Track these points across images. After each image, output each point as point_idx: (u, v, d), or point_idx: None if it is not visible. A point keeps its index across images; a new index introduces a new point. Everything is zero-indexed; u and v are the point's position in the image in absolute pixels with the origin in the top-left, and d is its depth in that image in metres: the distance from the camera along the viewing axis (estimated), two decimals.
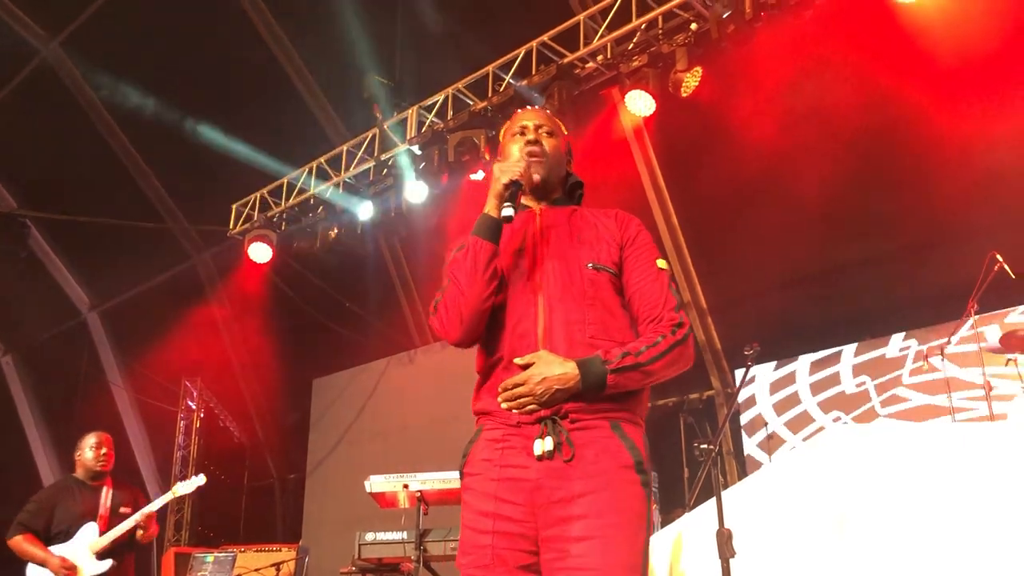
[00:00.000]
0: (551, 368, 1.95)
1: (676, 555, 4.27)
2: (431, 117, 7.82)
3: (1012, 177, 6.48)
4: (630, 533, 1.90)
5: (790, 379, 8.08)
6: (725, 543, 3.28)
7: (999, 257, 5.72)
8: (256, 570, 6.55)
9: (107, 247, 11.42)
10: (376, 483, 4.99)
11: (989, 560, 3.22)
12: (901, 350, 7.47)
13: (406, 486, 4.88)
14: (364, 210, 8.35)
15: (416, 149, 7.72)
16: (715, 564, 3.36)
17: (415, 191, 7.83)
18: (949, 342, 5.97)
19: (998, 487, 3.42)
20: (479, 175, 7.43)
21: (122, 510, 4.95)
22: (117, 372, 12.79)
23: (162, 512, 5.21)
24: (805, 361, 8.01)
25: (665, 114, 6.79)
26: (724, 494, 3.54)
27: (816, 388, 7.89)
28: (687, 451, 7.88)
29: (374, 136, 8.27)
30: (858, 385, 7.64)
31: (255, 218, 9.02)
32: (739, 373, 8.07)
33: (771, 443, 7.81)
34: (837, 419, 7.61)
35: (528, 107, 2.44)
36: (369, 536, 5.02)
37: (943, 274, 6.78)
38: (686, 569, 4.15)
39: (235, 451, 11.66)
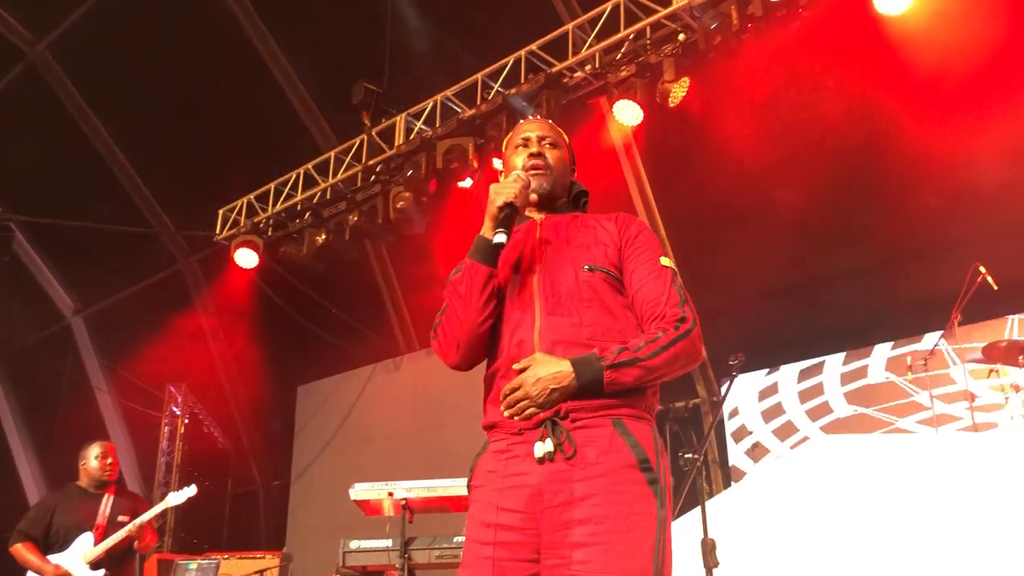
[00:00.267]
0: (546, 368, 1.93)
1: None
2: (419, 124, 7.83)
3: (992, 190, 6.54)
4: (636, 537, 1.84)
5: (775, 388, 8.11)
6: (709, 553, 3.30)
7: (982, 268, 5.79)
8: None
9: (92, 251, 11.36)
10: (361, 490, 4.97)
11: (964, 564, 3.25)
12: (884, 361, 7.51)
13: (391, 494, 4.86)
14: (351, 216, 8.33)
15: None
16: (700, 574, 3.38)
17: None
18: (932, 353, 6.03)
19: (979, 495, 3.45)
20: (467, 183, 7.44)
21: (120, 519, 4.96)
22: (101, 377, 12.71)
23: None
24: (789, 371, 8.05)
25: (653, 124, 6.82)
26: (708, 503, 3.55)
27: (801, 398, 7.92)
28: (672, 460, 7.89)
29: (362, 142, 8.27)
30: (842, 395, 7.68)
31: (242, 223, 8.99)
32: (724, 382, 8.09)
33: (756, 452, 7.83)
34: (822, 428, 7.65)
35: (531, 117, 2.44)
36: (353, 544, 5.00)
37: (926, 286, 6.84)
38: None
39: (219, 457, 11.59)
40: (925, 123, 6.55)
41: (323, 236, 8.41)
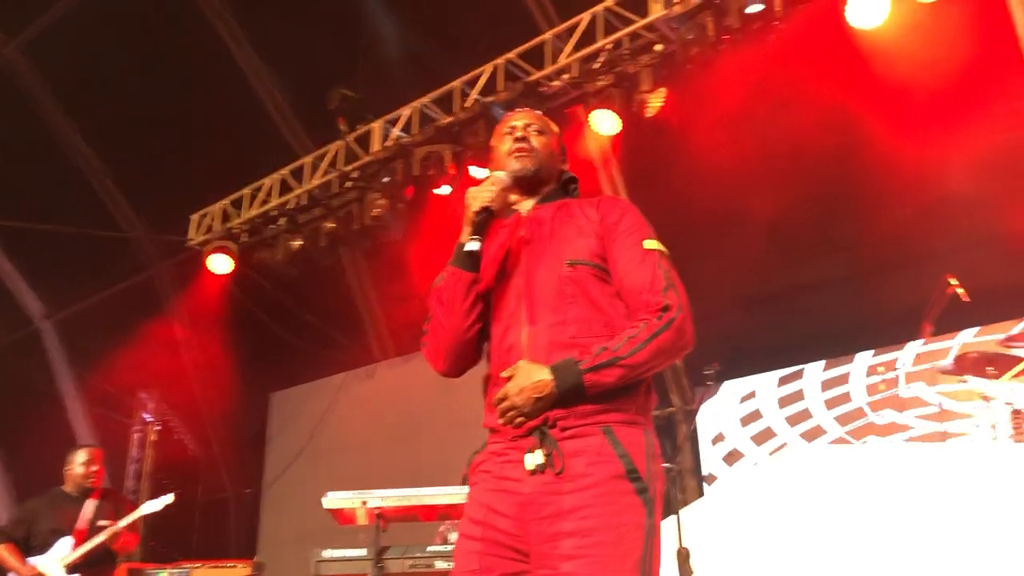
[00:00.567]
0: (529, 377, 1.91)
1: None
2: (396, 131, 7.81)
3: (965, 201, 6.63)
4: (624, 549, 1.83)
5: (751, 396, 8.15)
6: (684, 563, 3.30)
7: (952, 280, 5.85)
8: None
9: (63, 256, 11.21)
10: (334, 499, 4.93)
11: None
12: (858, 370, 7.57)
13: (365, 502, 4.82)
14: (326, 222, 8.29)
15: None
16: None
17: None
18: (904, 363, 6.08)
19: (947, 502, 3.48)
20: (444, 190, 7.43)
21: (101, 523, 5.02)
22: (71, 383, 12.53)
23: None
24: (765, 379, 8.09)
25: (631, 134, 6.85)
26: (682, 512, 3.56)
27: (777, 405, 7.97)
28: None
29: (338, 148, 8.23)
30: (816, 404, 7.73)
31: (216, 228, 8.91)
32: (699, 391, 8.12)
33: (731, 459, 7.87)
34: (801, 434, 7.69)
35: (518, 109, 2.38)
36: (326, 553, 4.95)
37: (900, 296, 6.90)
38: None
39: (190, 464, 11.44)
40: (898, 135, 6.63)
41: (298, 242, 8.36)
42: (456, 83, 7.43)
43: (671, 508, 3.55)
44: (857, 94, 6.60)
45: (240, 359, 10.65)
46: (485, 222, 2.07)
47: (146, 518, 5.33)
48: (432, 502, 4.60)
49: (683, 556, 3.31)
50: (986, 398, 5.62)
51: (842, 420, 7.51)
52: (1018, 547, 3.26)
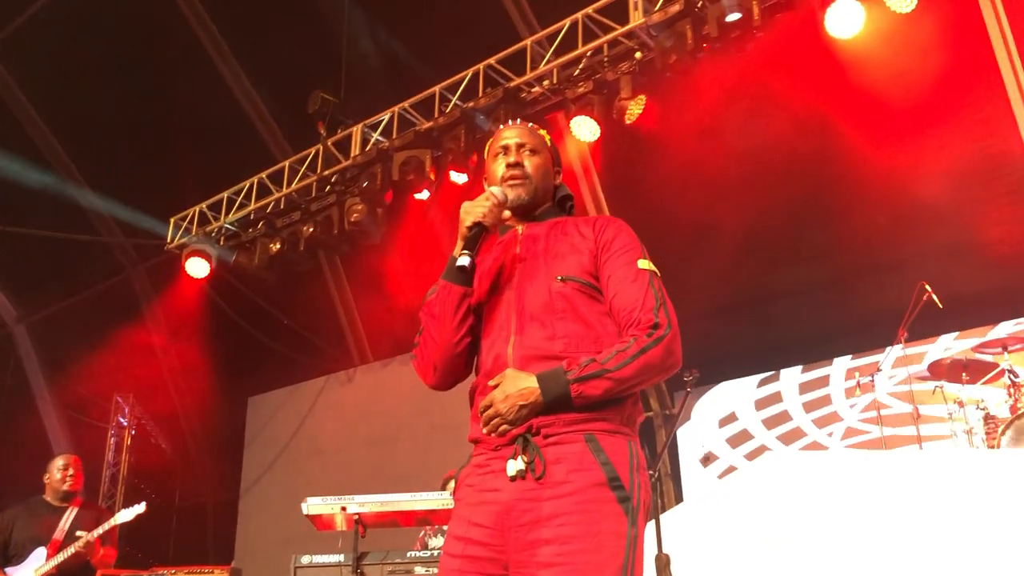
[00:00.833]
0: (515, 384, 1.91)
1: None
2: (376, 135, 7.80)
3: (938, 209, 6.72)
4: (603, 557, 1.81)
5: (727, 401, 8.21)
6: (663, 568, 3.31)
7: (928, 287, 5.92)
8: None
9: (37, 258, 11.10)
10: (313, 505, 4.91)
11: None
12: (834, 376, 7.64)
13: (344, 508, 4.81)
14: (305, 227, 8.26)
15: None
16: None
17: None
18: (880, 369, 6.15)
19: (924, 508, 3.52)
20: (423, 194, 7.43)
21: (79, 534, 4.98)
22: (44, 387, 12.40)
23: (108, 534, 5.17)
24: (743, 384, 8.15)
25: (610, 141, 6.88)
26: (662, 517, 3.58)
27: (754, 410, 8.03)
28: None
29: (317, 152, 8.21)
30: (792, 409, 7.80)
31: (193, 232, 8.86)
32: (678, 396, 8.17)
33: (708, 463, 7.92)
34: (780, 437, 7.75)
35: (511, 122, 2.34)
36: (305, 559, 4.93)
37: (876, 302, 6.98)
38: None
39: (166, 469, 11.35)
40: (873, 143, 6.71)
41: (276, 246, 8.32)
42: (436, 88, 7.44)
43: (650, 514, 3.57)
44: (833, 103, 6.67)
45: (217, 363, 10.59)
46: (477, 237, 2.07)
47: (122, 527, 5.29)
48: (411, 507, 4.60)
49: (663, 563, 3.33)
50: (960, 403, 5.69)
51: (819, 423, 7.59)
52: (995, 552, 3.31)
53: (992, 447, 5.17)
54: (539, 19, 7.48)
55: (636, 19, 6.29)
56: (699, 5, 5.87)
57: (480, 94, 7.03)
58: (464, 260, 2.04)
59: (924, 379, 6.04)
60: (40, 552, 4.90)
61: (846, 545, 3.53)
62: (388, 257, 8.68)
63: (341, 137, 8.06)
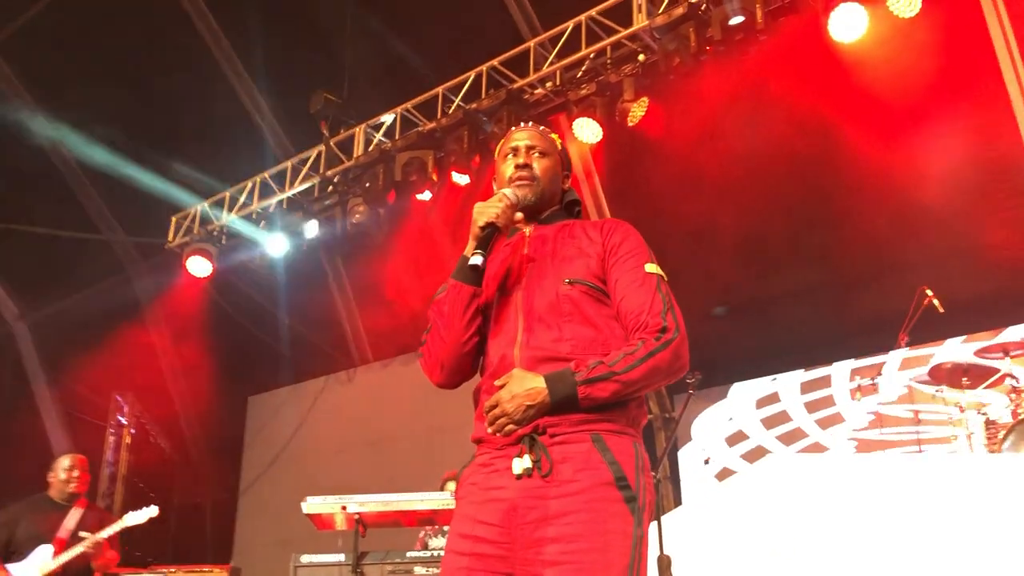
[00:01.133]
0: (521, 384, 1.92)
1: None
2: (379, 136, 7.80)
3: (940, 212, 6.72)
4: (610, 556, 1.81)
5: (728, 404, 8.21)
6: (665, 569, 3.32)
7: (928, 292, 5.92)
8: None
9: (38, 257, 11.08)
10: (313, 504, 4.91)
11: None
12: (835, 380, 7.64)
13: (344, 508, 4.81)
14: (308, 227, 8.27)
15: None
16: None
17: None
18: (880, 373, 6.15)
19: (924, 512, 3.53)
20: (426, 195, 7.43)
21: (83, 534, 4.96)
22: (44, 385, 12.38)
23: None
24: (742, 388, 8.15)
25: (612, 143, 6.88)
26: (663, 519, 3.58)
27: (754, 414, 8.03)
28: None
29: (320, 153, 8.21)
30: (793, 413, 7.79)
31: (195, 231, 8.86)
32: (679, 399, 8.16)
33: (707, 466, 7.92)
34: (780, 441, 7.75)
35: (523, 124, 2.35)
36: (305, 558, 4.93)
37: (877, 306, 6.96)
38: None
39: (165, 468, 11.33)
40: (875, 147, 6.71)
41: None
42: (439, 89, 7.45)
43: (654, 515, 3.57)
44: (835, 106, 6.67)
45: (218, 362, 10.58)
46: (490, 237, 2.08)
47: (125, 529, 5.27)
48: (412, 507, 4.60)
49: (664, 563, 3.33)
50: (961, 408, 5.69)
51: (822, 424, 7.59)
52: (999, 558, 3.31)
53: (993, 452, 5.17)
54: (542, 21, 7.49)
55: (639, 22, 6.30)
56: (703, 8, 5.88)
57: (483, 95, 7.05)
58: (477, 259, 2.04)
59: (925, 383, 6.03)
60: (44, 549, 4.89)
61: (847, 548, 3.53)
62: (390, 258, 8.68)
63: (344, 137, 8.07)
